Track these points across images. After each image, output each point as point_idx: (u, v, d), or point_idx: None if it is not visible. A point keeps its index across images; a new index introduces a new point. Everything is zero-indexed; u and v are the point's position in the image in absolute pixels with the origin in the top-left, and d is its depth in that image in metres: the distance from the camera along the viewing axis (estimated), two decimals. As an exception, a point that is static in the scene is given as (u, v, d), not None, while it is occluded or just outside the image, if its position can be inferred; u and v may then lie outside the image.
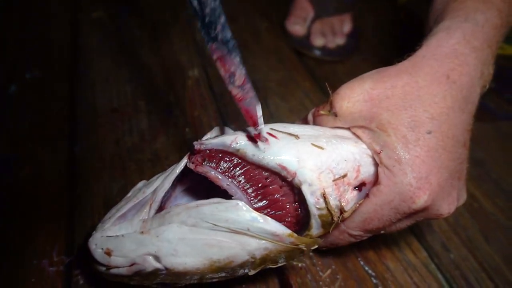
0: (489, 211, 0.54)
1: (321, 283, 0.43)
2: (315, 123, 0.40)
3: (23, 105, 0.61)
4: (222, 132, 0.39)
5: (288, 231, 0.33)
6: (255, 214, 0.32)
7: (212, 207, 0.32)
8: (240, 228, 0.31)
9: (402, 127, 0.33)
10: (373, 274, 0.45)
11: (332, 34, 0.80)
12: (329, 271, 0.44)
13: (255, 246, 0.32)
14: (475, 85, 0.35)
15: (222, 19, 0.31)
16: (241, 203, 0.32)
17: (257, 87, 0.69)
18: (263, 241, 0.32)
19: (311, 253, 0.45)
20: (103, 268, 0.34)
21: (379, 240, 0.48)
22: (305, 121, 0.41)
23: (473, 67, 0.35)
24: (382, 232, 0.37)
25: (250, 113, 0.33)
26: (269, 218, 0.32)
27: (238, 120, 0.62)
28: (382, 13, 0.97)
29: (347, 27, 0.82)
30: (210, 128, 0.60)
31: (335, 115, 0.37)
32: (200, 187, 0.39)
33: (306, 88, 0.71)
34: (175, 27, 0.82)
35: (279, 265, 0.35)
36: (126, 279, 0.35)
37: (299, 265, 0.44)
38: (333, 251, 0.46)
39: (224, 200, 0.32)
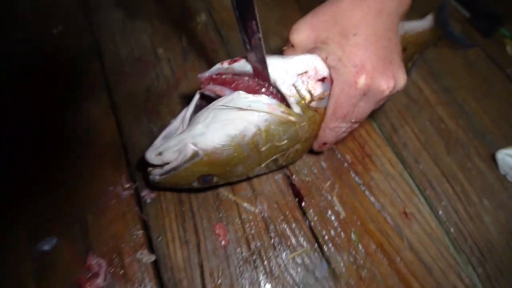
0: (452, 130, 0.68)
1: (323, 191, 0.58)
2: None
3: (58, 60, 0.68)
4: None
5: (278, 102, 0.45)
6: (252, 94, 0.45)
7: (223, 99, 0.46)
8: (244, 105, 0.44)
9: (336, 36, 0.46)
10: (361, 182, 0.60)
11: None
12: (328, 183, 0.59)
13: (257, 119, 0.44)
14: (387, 1, 0.46)
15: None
16: (241, 92, 0.46)
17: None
18: (262, 113, 0.45)
19: (314, 170, 0.60)
20: (159, 171, 0.47)
21: (366, 159, 0.62)
22: None
23: None
24: (353, 120, 0.49)
25: (258, 72, 0.46)
26: (263, 95, 0.46)
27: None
28: None
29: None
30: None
31: (292, 46, 0.49)
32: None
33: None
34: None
35: (285, 155, 0.49)
36: (180, 178, 0.47)
37: (306, 179, 0.59)
38: (331, 168, 0.60)
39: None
